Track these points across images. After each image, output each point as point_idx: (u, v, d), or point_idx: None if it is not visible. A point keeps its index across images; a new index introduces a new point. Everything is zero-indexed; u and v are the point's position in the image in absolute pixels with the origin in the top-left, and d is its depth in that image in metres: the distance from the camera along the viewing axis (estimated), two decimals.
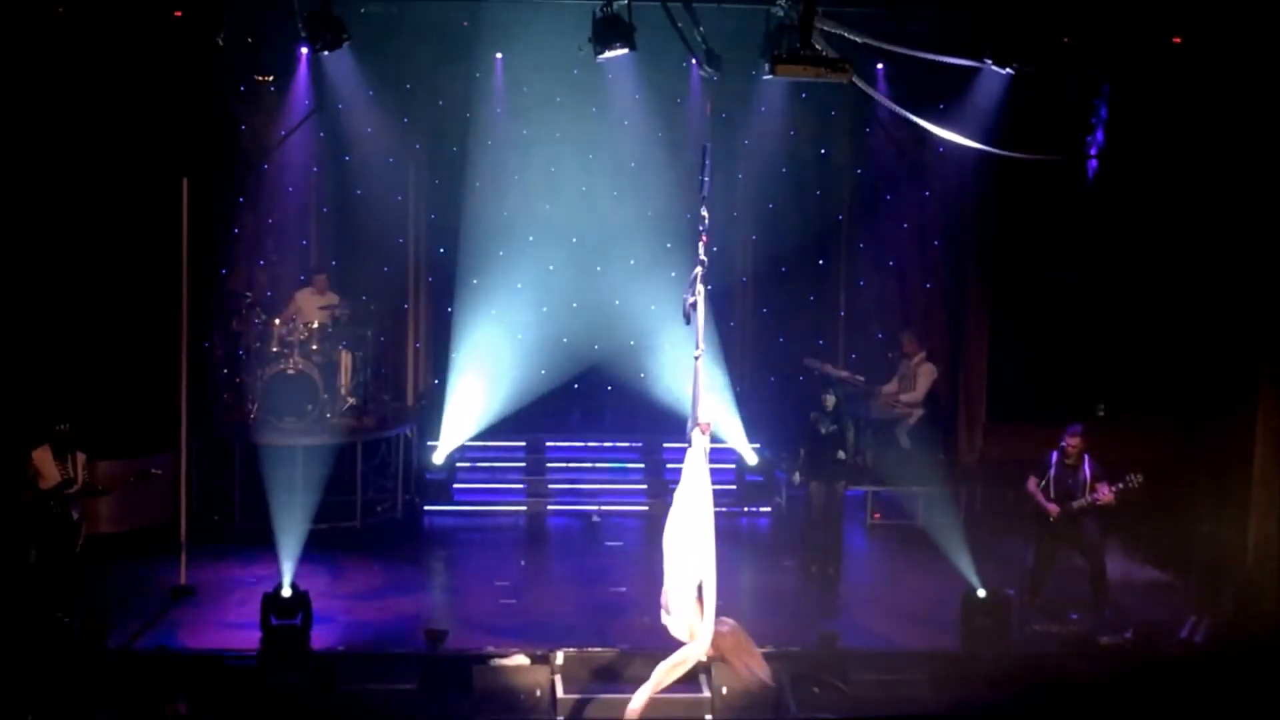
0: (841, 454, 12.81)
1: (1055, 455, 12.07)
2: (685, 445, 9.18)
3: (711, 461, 15.47)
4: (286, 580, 11.20)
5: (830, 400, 12.89)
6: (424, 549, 14.24)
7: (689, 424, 9.04)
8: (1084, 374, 14.57)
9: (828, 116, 15.95)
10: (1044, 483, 12.05)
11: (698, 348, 8.81)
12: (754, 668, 8.97)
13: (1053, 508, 11.95)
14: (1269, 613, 11.97)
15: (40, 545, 11.55)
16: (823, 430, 12.85)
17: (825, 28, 11.32)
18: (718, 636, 8.73)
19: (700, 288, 8.79)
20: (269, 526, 12.90)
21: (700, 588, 8.70)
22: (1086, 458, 12.00)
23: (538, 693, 10.43)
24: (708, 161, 8.93)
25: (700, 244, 8.83)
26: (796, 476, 13.06)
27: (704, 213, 8.89)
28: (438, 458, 15.56)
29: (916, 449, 15.11)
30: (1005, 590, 11.43)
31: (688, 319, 8.84)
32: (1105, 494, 11.85)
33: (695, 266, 8.79)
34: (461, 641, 11.09)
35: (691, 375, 8.84)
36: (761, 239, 16.84)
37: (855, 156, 16.30)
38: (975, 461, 15.37)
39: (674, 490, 9.25)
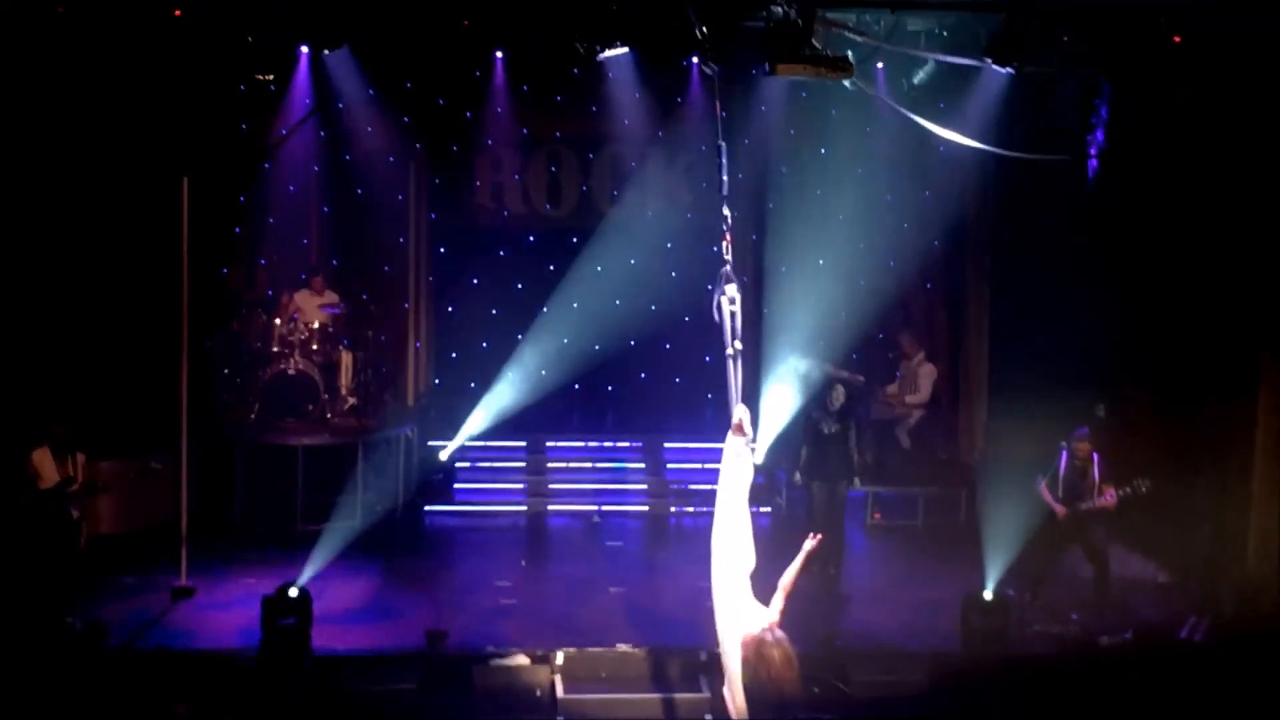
0: (856, 454, 12.82)
1: (1065, 456, 12.08)
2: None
3: (712, 461, 15.50)
4: (287, 580, 11.20)
5: (839, 399, 12.88)
6: (424, 549, 14.24)
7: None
8: (1084, 374, 14.56)
9: (828, 116, 15.95)
10: (1051, 482, 12.07)
11: (730, 345, 8.55)
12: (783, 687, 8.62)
13: (1060, 508, 11.97)
14: (1269, 613, 11.97)
15: (40, 545, 11.56)
16: (826, 430, 12.85)
17: (825, 27, 11.32)
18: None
19: (728, 286, 8.63)
20: (269, 526, 12.91)
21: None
22: (1095, 458, 12.03)
23: (538, 693, 10.45)
24: (723, 160, 8.88)
25: (725, 243, 8.75)
26: (798, 477, 13.05)
27: (725, 211, 8.84)
28: (443, 455, 15.53)
29: (917, 449, 15.11)
30: (1005, 590, 11.44)
31: (718, 316, 8.62)
32: (1109, 498, 11.88)
33: (723, 265, 8.68)
34: (461, 641, 11.09)
35: (727, 375, 8.55)
36: (761, 239, 16.84)
37: (855, 156, 16.29)
38: (975, 461, 15.37)
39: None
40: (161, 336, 13.24)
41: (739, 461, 8.27)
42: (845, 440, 12.87)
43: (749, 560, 8.17)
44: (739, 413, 8.33)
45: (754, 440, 8.42)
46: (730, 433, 8.32)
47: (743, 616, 7.96)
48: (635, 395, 16.41)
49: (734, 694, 7.97)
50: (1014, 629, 11.33)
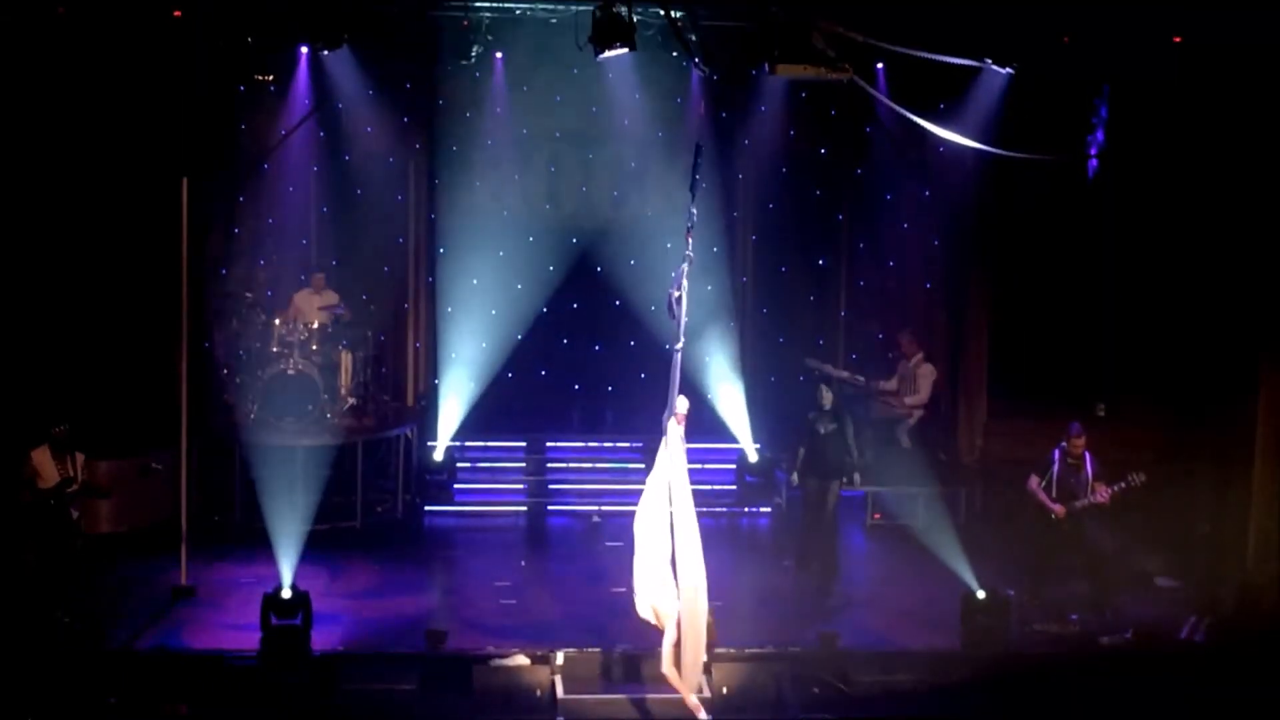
0: (854, 451, 12.82)
1: (1057, 454, 12.09)
2: (689, 444, 9.32)
3: (712, 462, 15.58)
4: (287, 580, 11.21)
5: (828, 398, 12.89)
6: (424, 549, 14.23)
7: (665, 414, 9.19)
8: (1084, 374, 14.57)
9: (827, 117, 15.95)
10: (1046, 482, 12.08)
11: (678, 341, 8.96)
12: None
13: (1059, 508, 11.96)
14: (1269, 613, 11.97)
15: (40, 545, 11.55)
16: (822, 430, 12.85)
17: (825, 27, 11.33)
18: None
19: (685, 282, 8.93)
20: (269, 526, 12.90)
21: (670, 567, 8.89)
22: (1088, 456, 12.03)
23: (538, 693, 10.45)
24: (699, 160, 9.08)
25: (687, 240, 8.96)
26: (794, 477, 13.06)
27: (692, 210, 9.03)
28: (438, 455, 15.52)
29: (917, 449, 15.11)
30: (1005, 590, 11.44)
31: (672, 312, 9.00)
32: (1103, 495, 11.88)
33: (682, 262, 8.94)
34: (461, 641, 11.10)
35: (671, 367, 9.01)
36: (761, 239, 16.85)
37: (855, 156, 16.29)
38: (975, 461, 15.37)
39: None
40: (161, 336, 13.24)
41: (677, 449, 8.92)
42: (842, 438, 12.86)
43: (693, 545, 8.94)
44: (682, 405, 8.91)
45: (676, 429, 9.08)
46: (674, 421, 8.91)
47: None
48: (635, 395, 16.39)
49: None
50: (1014, 629, 11.33)
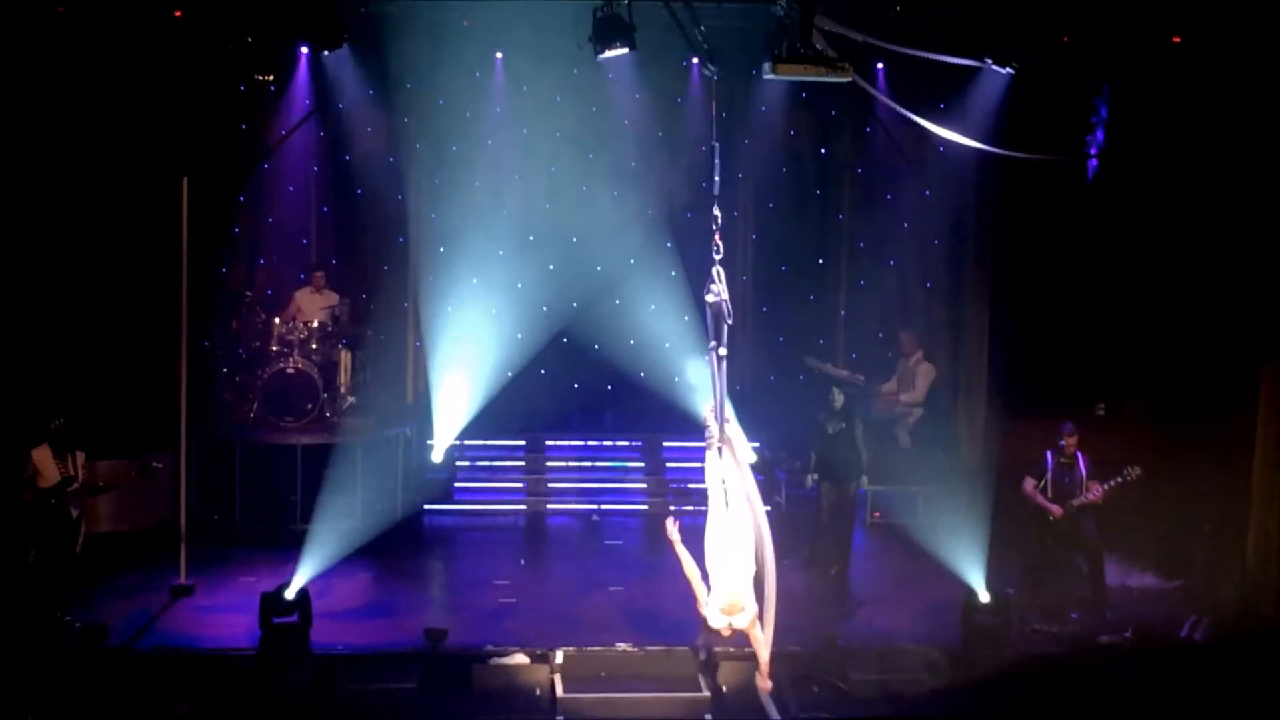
0: (860, 454, 12.84)
1: (1050, 455, 12.11)
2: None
3: None
4: (286, 580, 11.20)
5: (839, 399, 12.91)
6: (424, 548, 14.24)
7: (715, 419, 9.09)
8: (1084, 373, 14.57)
9: (828, 116, 15.95)
10: (1042, 484, 12.10)
11: (712, 341, 8.87)
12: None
13: (1056, 508, 11.98)
14: (1269, 613, 11.98)
15: (40, 545, 11.56)
16: (831, 430, 12.86)
17: (825, 27, 11.32)
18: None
19: (719, 284, 8.86)
20: (269, 526, 12.91)
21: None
22: (1080, 455, 12.05)
23: (537, 692, 10.47)
24: (716, 161, 9.06)
25: (714, 241, 8.93)
26: (809, 479, 13.06)
27: (715, 211, 9.01)
28: (437, 454, 15.52)
29: (917, 448, 15.11)
30: (1005, 590, 11.44)
31: (711, 314, 8.93)
32: (1096, 492, 11.90)
33: (713, 265, 8.90)
34: (461, 641, 11.10)
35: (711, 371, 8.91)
36: (761, 239, 16.85)
37: (855, 156, 16.30)
38: (975, 460, 15.36)
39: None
40: (161, 336, 13.24)
41: (714, 453, 8.84)
42: (852, 439, 12.88)
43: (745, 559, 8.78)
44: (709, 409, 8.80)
45: (718, 431, 8.85)
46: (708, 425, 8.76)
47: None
48: (635, 394, 16.40)
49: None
50: (1014, 629, 11.33)
